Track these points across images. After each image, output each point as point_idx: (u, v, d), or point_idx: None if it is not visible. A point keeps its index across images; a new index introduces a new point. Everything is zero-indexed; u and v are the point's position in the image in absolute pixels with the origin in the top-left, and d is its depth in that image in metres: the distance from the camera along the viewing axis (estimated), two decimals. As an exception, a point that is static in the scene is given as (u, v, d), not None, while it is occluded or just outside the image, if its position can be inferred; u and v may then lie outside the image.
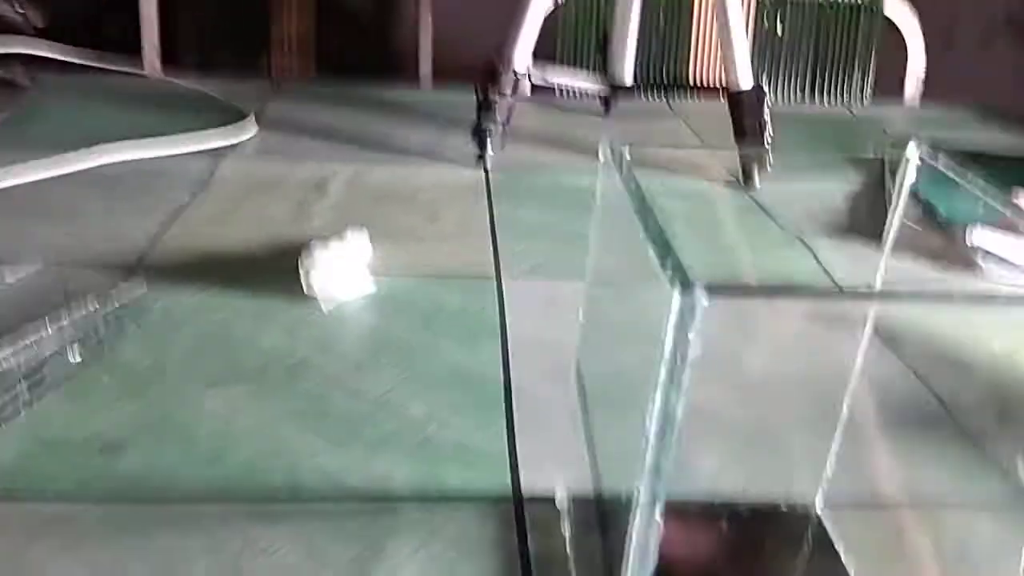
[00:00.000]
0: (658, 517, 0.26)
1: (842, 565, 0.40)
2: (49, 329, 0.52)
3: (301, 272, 0.63)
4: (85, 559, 0.39)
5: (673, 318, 0.23)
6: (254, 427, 0.49)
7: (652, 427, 0.25)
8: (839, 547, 0.41)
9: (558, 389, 0.54)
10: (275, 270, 0.66)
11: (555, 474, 0.47)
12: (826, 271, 0.74)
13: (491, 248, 0.75)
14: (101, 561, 0.39)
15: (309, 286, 0.62)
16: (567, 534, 0.42)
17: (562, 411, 0.52)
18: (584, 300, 0.43)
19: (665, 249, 0.25)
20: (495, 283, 0.68)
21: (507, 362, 0.57)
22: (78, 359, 0.53)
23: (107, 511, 0.42)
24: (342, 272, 0.64)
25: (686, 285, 0.23)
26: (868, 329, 0.41)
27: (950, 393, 0.53)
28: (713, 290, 0.23)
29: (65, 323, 0.53)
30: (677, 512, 0.43)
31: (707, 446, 0.50)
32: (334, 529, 0.42)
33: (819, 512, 0.43)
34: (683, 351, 0.23)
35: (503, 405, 0.53)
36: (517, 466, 0.47)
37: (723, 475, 0.47)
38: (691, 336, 0.23)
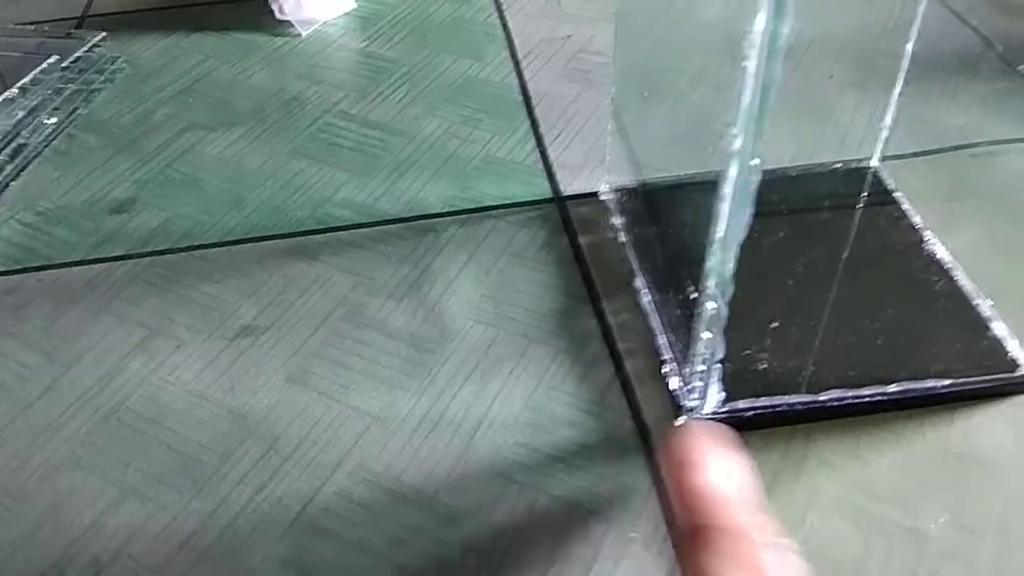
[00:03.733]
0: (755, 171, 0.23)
1: (908, 217, 0.39)
2: (12, 89, 0.47)
3: (271, -5, 0.56)
4: (125, 315, 0.38)
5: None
6: (266, 167, 0.46)
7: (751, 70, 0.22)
8: (902, 199, 0.40)
9: (578, 86, 0.50)
10: (241, 0, 0.59)
11: (592, 171, 0.44)
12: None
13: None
14: (143, 316, 0.38)
15: (280, 9, 0.56)
16: (617, 223, 0.40)
17: (587, 107, 0.49)
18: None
19: None
20: (486, -15, 0.61)
21: (518, 64, 0.52)
22: (53, 120, 0.48)
23: (134, 267, 0.40)
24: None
25: None
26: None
27: (1002, 35, 0.49)
28: None
29: (26, 81, 0.47)
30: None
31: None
32: (376, 255, 0.40)
33: (876, 167, 0.41)
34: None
35: (523, 110, 0.49)
36: (551, 168, 0.45)
37: (775, 146, 0.45)
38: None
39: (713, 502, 0.22)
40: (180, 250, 0.41)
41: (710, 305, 0.28)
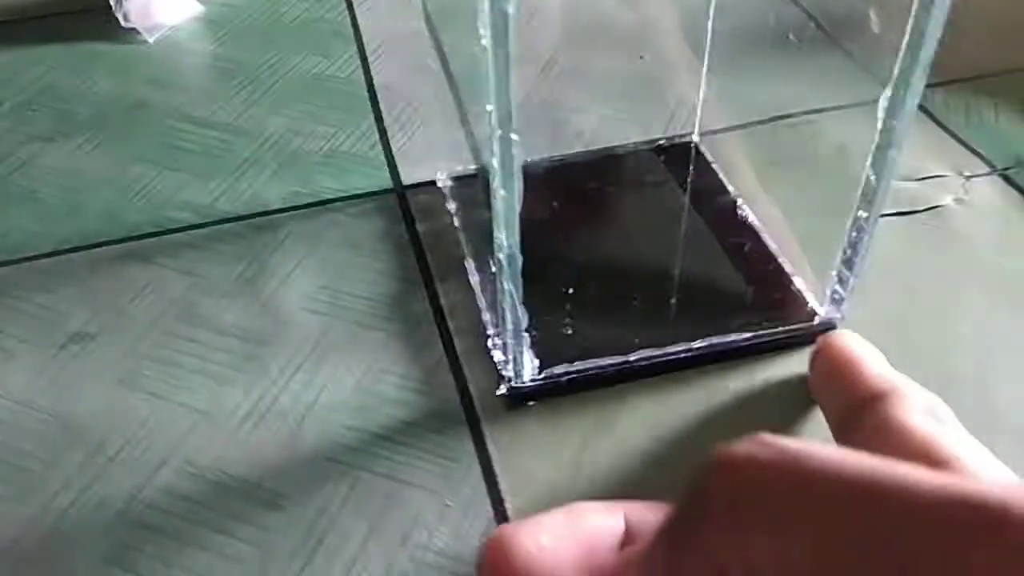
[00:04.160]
0: (512, 136, 0.25)
1: (724, 186, 0.41)
2: None
3: (113, 3, 0.55)
4: (-47, 333, 0.37)
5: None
6: (105, 175, 0.45)
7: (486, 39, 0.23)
8: (719, 170, 0.42)
9: (424, 79, 0.51)
10: (85, 9, 0.58)
11: (434, 160, 0.45)
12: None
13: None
14: (-29, 331, 0.37)
15: (126, 16, 0.55)
16: (453, 209, 0.41)
17: (431, 100, 0.50)
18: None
19: None
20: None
21: (366, 60, 0.53)
22: None
23: (-38, 284, 0.40)
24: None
25: None
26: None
27: (825, 11, 0.52)
28: None
29: None
30: (559, 168, 0.43)
31: (581, 104, 0.49)
32: (213, 254, 0.40)
33: (696, 141, 0.43)
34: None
35: (369, 104, 0.50)
36: (393, 158, 0.46)
37: (601, 128, 0.47)
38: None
39: (890, 376, 0.27)
40: (12, 263, 0.40)
41: (502, 278, 0.29)
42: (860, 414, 0.26)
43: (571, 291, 0.35)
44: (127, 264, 0.40)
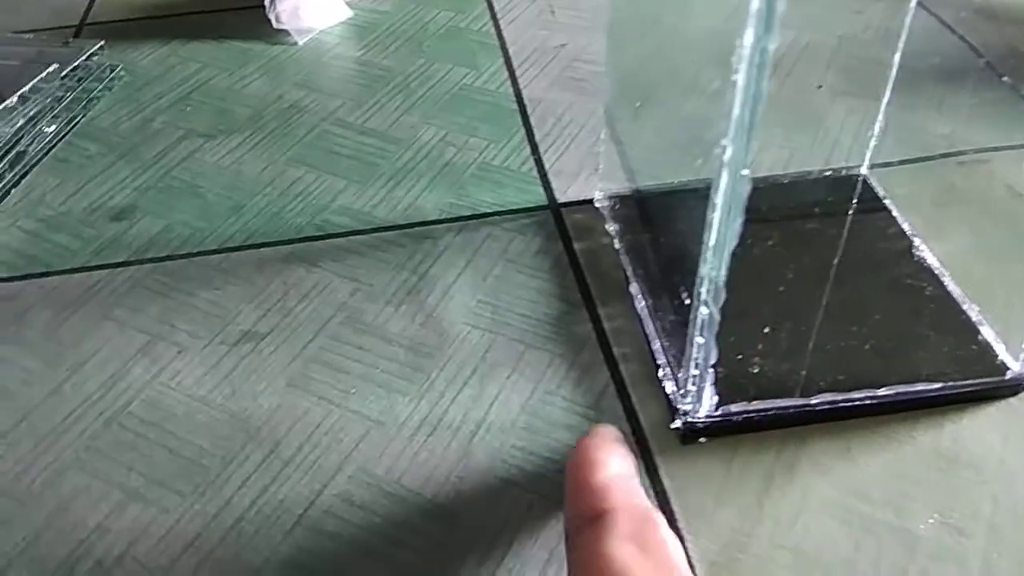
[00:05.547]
0: (745, 172, 0.24)
1: (899, 224, 0.39)
2: (12, 97, 0.47)
3: (267, 4, 0.56)
4: (126, 321, 0.38)
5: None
6: (265, 175, 0.46)
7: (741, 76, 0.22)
8: (891, 206, 0.40)
9: (572, 94, 0.51)
10: (238, 9, 0.60)
11: (586, 178, 0.45)
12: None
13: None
14: (144, 322, 0.38)
15: (277, 18, 0.56)
16: (612, 230, 0.41)
17: (581, 115, 0.49)
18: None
19: None
20: (481, -6, 0.62)
21: (513, 74, 0.53)
22: (52, 128, 0.49)
23: (134, 274, 0.41)
24: (313, -1, 0.57)
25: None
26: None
27: (989, 45, 0.50)
28: None
29: (25, 90, 0.48)
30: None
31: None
32: (375, 261, 0.41)
33: (866, 174, 0.42)
34: None
35: (519, 118, 0.50)
36: (546, 175, 0.45)
37: (768, 153, 0.46)
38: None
39: (609, 492, 0.26)
40: (180, 257, 0.42)
41: (703, 311, 0.28)
42: (582, 531, 0.26)
43: (757, 328, 0.34)
44: (291, 266, 0.41)
